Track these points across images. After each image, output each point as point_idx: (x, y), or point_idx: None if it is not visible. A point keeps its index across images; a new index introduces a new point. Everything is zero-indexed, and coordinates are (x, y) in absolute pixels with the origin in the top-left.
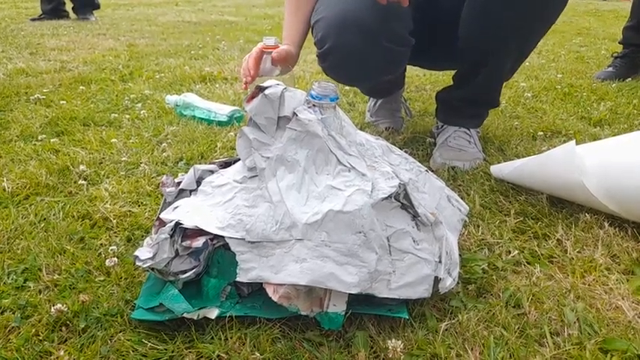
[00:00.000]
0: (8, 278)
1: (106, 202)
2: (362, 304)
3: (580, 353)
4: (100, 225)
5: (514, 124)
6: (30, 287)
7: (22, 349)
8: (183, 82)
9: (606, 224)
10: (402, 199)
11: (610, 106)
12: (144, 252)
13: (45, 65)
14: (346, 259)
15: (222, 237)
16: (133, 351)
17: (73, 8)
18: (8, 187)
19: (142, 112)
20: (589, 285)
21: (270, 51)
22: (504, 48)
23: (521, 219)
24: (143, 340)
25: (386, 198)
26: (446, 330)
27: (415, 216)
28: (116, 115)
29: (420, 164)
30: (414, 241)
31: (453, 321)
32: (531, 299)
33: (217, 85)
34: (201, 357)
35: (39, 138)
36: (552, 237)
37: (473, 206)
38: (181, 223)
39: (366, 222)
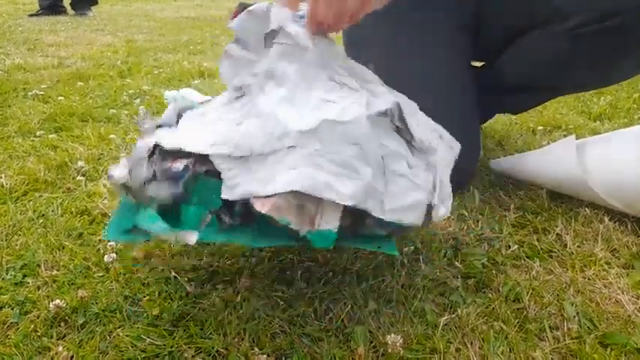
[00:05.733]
0: (7, 274)
1: (105, 198)
2: (351, 238)
3: (580, 347)
4: (98, 221)
5: (514, 119)
6: (28, 283)
7: (21, 344)
8: (182, 77)
9: (606, 218)
10: (397, 122)
11: (610, 100)
12: (119, 169)
13: (43, 61)
14: (341, 170)
15: (205, 161)
16: (132, 346)
17: (70, 4)
18: (6, 184)
19: (140, 107)
20: (589, 279)
21: None
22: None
23: (521, 213)
24: (142, 336)
25: (382, 113)
26: (445, 325)
27: (409, 141)
28: (114, 110)
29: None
30: (408, 165)
31: (453, 315)
32: (531, 293)
33: (216, 81)
34: (201, 352)
35: (37, 134)
36: (552, 231)
37: (472, 201)
38: (161, 145)
39: (363, 133)
